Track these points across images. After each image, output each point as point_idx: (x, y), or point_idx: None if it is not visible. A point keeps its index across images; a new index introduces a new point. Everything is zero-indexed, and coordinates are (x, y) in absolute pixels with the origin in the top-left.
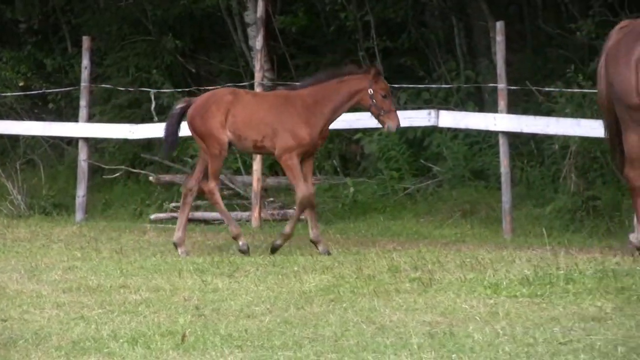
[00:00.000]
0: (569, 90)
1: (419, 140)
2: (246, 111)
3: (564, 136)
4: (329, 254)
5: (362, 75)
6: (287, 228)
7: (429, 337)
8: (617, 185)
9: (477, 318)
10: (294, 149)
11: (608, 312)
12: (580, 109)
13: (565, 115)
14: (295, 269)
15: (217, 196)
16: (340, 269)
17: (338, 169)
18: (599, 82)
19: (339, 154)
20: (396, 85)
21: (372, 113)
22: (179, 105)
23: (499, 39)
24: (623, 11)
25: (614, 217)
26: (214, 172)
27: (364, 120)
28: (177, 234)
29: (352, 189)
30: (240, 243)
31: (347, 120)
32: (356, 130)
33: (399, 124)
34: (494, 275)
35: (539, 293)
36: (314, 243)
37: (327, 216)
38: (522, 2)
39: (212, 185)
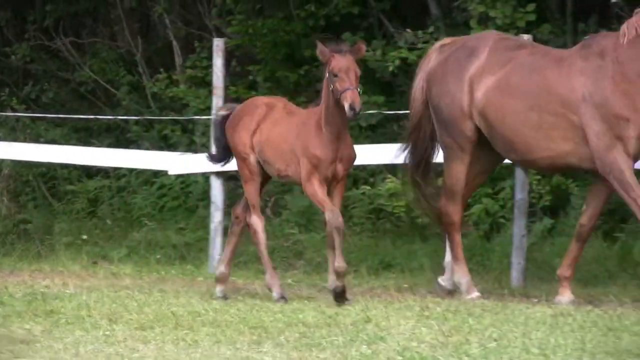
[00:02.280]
0: (3, 113)
1: None
2: (274, 131)
3: None
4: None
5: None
6: (337, 262)
7: None
8: (49, 209)
9: None
10: (312, 175)
11: (37, 334)
12: (13, 133)
13: None
14: None
15: (260, 234)
16: None
17: None
18: (412, 105)
19: None
20: None
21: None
22: (222, 112)
23: None
24: (58, 36)
25: (44, 240)
26: (249, 199)
27: None
28: (220, 268)
29: None
30: (275, 294)
31: None
32: None
33: (354, 102)
34: None
35: None
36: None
37: None
38: None
39: (253, 218)
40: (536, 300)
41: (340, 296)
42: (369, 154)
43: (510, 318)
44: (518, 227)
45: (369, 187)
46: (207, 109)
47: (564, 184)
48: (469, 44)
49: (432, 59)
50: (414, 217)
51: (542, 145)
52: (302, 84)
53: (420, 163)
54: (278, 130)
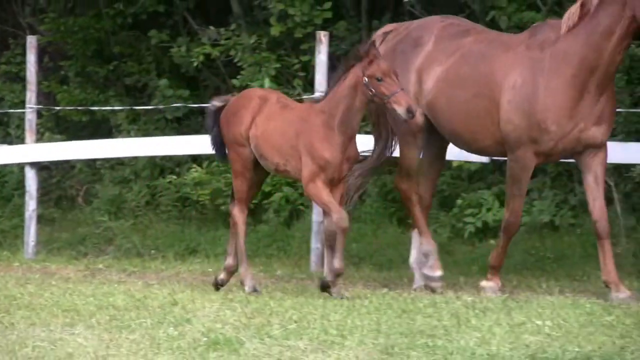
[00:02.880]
0: None
1: None
2: (270, 125)
3: None
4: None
5: (358, 64)
6: (338, 264)
7: None
8: None
9: None
10: (317, 177)
11: None
12: None
13: None
14: None
15: (241, 227)
16: None
17: None
18: None
19: None
20: None
21: (377, 103)
22: (215, 103)
23: None
24: None
25: None
26: (237, 194)
27: None
28: (243, 265)
29: None
30: (247, 287)
31: None
32: None
33: (410, 105)
34: None
35: None
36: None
37: None
38: None
39: (235, 210)
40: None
41: (325, 288)
42: (175, 145)
43: (310, 301)
44: (316, 214)
45: (175, 177)
46: (22, 103)
47: None
48: (413, 33)
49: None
50: (217, 204)
51: (486, 132)
52: (111, 79)
53: (381, 155)
54: (274, 124)
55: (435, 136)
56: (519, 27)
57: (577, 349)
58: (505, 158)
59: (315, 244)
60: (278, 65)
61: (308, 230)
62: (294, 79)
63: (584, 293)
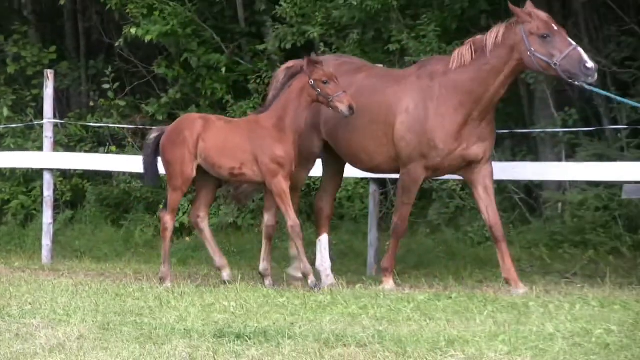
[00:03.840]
0: None
1: None
2: (219, 138)
3: None
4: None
5: (303, 72)
6: (303, 266)
7: None
8: None
9: None
10: (278, 172)
11: None
12: None
13: None
14: None
15: (169, 232)
16: None
17: None
18: None
19: None
20: None
21: (324, 104)
22: (152, 135)
23: None
24: None
25: None
26: (172, 206)
27: None
28: (221, 261)
29: None
30: (225, 274)
31: None
32: None
33: (351, 103)
34: None
35: None
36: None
37: None
38: None
39: (167, 218)
40: (61, 273)
41: (308, 283)
42: None
43: (42, 287)
44: (46, 217)
45: None
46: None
47: (81, 184)
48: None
49: (279, 80)
50: None
51: (379, 151)
52: None
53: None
54: (223, 136)
55: (333, 159)
56: (208, 67)
57: (256, 325)
58: (393, 175)
59: (45, 241)
60: (14, 97)
61: (40, 230)
62: (27, 108)
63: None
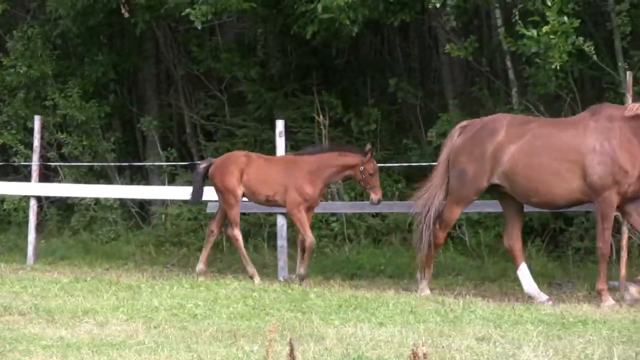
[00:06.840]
0: None
1: None
2: (259, 171)
3: None
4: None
5: (357, 153)
6: (302, 270)
7: None
8: None
9: None
10: (301, 204)
11: None
12: None
13: None
14: None
15: (240, 242)
16: None
17: None
18: (436, 171)
19: None
20: None
21: (361, 185)
22: (202, 165)
23: None
24: None
25: None
26: (233, 219)
27: None
28: (199, 266)
29: None
30: (256, 281)
31: None
32: None
33: (381, 198)
34: None
35: None
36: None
37: None
38: None
39: (235, 232)
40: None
41: (302, 280)
42: None
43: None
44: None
45: None
46: None
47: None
48: (488, 124)
49: (455, 137)
50: None
51: (558, 185)
52: None
53: (429, 211)
54: (263, 171)
55: (512, 199)
56: None
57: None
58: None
59: None
60: None
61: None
62: None
63: None
